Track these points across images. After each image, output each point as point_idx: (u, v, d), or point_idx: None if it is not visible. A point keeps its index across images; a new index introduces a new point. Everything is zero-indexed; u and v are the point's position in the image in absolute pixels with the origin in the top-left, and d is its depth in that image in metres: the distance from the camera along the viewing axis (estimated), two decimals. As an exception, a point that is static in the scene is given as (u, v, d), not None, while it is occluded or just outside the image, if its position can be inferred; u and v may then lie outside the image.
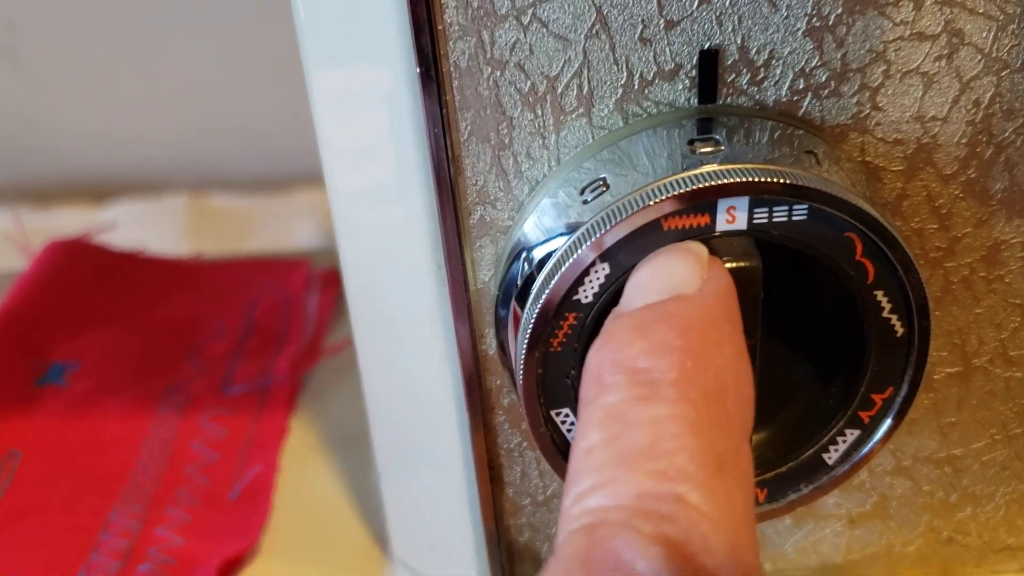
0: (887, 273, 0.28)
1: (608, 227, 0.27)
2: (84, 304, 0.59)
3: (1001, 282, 0.33)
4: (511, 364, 0.31)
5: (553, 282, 0.28)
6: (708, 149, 0.28)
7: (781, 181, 0.27)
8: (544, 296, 0.28)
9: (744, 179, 0.27)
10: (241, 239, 0.74)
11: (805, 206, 0.27)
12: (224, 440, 0.52)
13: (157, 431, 0.53)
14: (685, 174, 0.27)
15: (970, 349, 0.34)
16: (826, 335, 0.31)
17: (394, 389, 0.36)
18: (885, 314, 0.29)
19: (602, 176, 0.29)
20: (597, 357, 0.25)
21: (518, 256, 0.31)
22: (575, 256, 0.28)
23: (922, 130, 0.30)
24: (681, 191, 0.27)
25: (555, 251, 0.28)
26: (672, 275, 0.26)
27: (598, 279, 0.28)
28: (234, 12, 0.71)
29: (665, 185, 0.27)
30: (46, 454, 0.51)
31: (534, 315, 0.28)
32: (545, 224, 0.30)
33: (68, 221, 0.72)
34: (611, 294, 0.28)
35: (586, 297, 0.28)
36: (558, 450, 0.30)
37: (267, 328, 0.59)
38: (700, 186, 0.27)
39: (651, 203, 0.27)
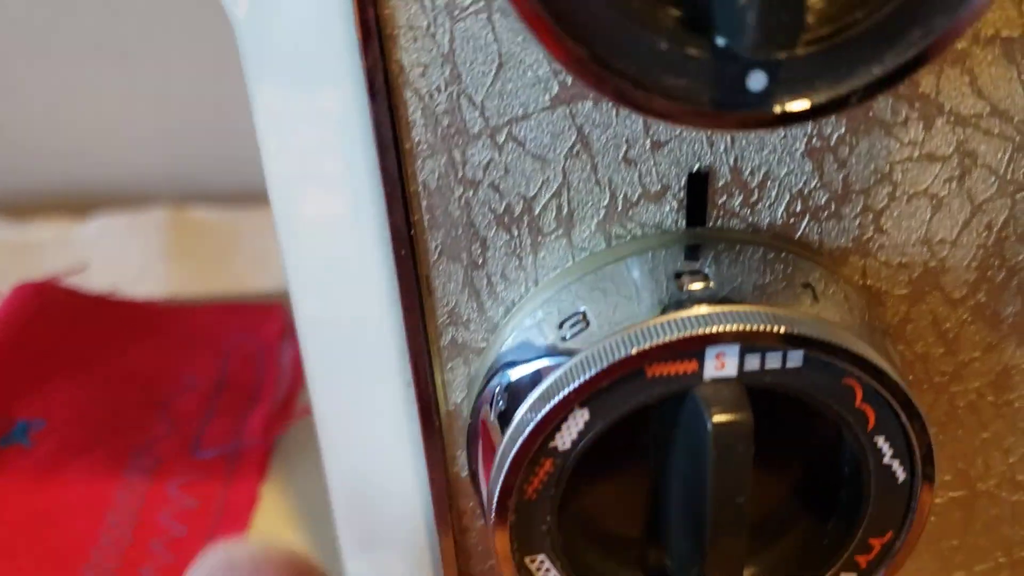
0: (889, 419, 0.26)
1: (588, 374, 0.25)
2: (52, 354, 0.57)
3: (1010, 407, 0.31)
4: (482, 501, 0.29)
5: (529, 428, 0.26)
6: (697, 286, 0.26)
7: (775, 330, 0.25)
8: (519, 442, 0.26)
9: (735, 326, 0.25)
10: (224, 254, 0.72)
11: (800, 353, 0.25)
12: (193, 511, 0.50)
13: (123, 498, 0.51)
14: (672, 317, 0.25)
15: (975, 473, 0.32)
16: (823, 473, 0.29)
17: (363, 509, 0.33)
18: (886, 460, 0.27)
19: (582, 310, 0.27)
20: None
21: (491, 381, 0.28)
22: (553, 402, 0.25)
23: (929, 253, 0.28)
24: (667, 339, 0.25)
25: (531, 393, 0.26)
26: None
27: (577, 426, 0.26)
28: (217, 19, 0.69)
29: (649, 329, 0.25)
30: (9, 523, 0.49)
31: (507, 461, 0.26)
32: (522, 350, 0.28)
33: (46, 235, 0.70)
34: (591, 440, 0.26)
35: (564, 444, 0.26)
36: (533, 595, 0.28)
37: (239, 382, 0.57)
38: (687, 334, 0.25)
39: (633, 351, 0.25)
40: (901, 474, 0.27)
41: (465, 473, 0.31)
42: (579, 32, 0.21)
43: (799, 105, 0.22)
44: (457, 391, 0.30)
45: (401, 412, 0.30)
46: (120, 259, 0.70)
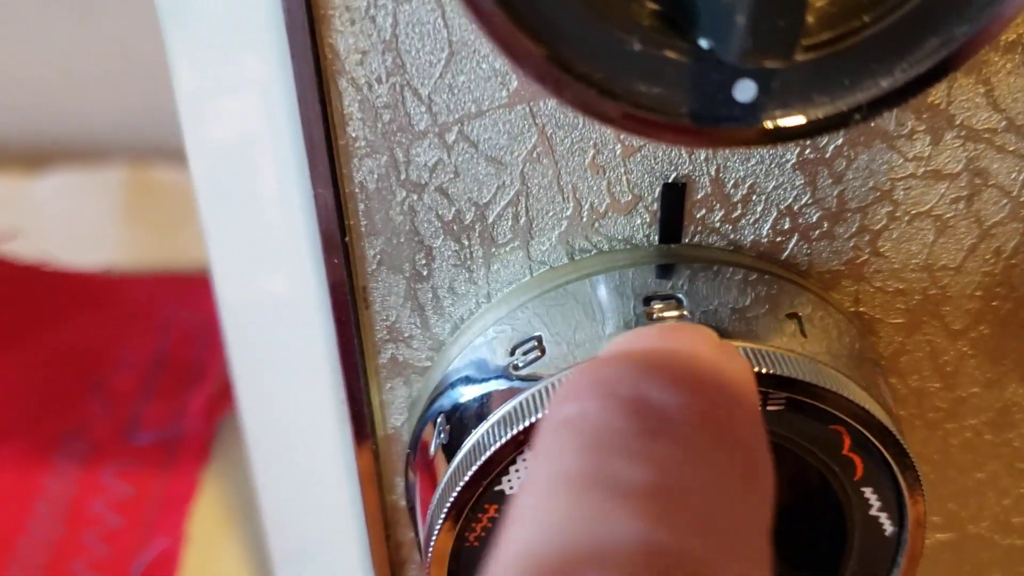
0: (878, 469, 0.23)
1: (540, 413, 0.22)
2: (-19, 327, 0.54)
3: (1009, 446, 0.28)
4: (419, 541, 0.25)
5: (471, 471, 0.22)
6: (668, 313, 0.23)
7: (755, 370, 0.21)
8: (459, 487, 0.23)
9: (710, 366, 0.21)
10: (184, 219, 0.68)
11: (783, 397, 0.22)
12: (129, 500, 0.47)
13: (54, 485, 0.48)
14: (637, 350, 0.22)
15: (967, 515, 0.29)
16: (800, 520, 0.26)
17: (295, 528, 0.30)
18: (873, 512, 0.24)
19: (536, 335, 0.24)
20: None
21: (435, 404, 0.25)
22: (499, 443, 0.22)
23: (930, 280, 0.25)
24: (631, 377, 0.21)
25: (475, 430, 0.23)
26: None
27: (527, 468, 0.23)
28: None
29: (612, 364, 0.22)
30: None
31: (445, 506, 0.23)
32: (470, 370, 0.25)
33: (-1, 192, 0.66)
34: (540, 485, 0.23)
35: (511, 488, 0.23)
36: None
37: (180, 360, 0.53)
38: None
39: (593, 389, 0.22)
40: (889, 527, 0.24)
41: (404, 502, 0.28)
42: (535, 26, 0.18)
43: (793, 121, 0.19)
44: (396, 413, 0.27)
45: (335, 433, 0.27)
46: (73, 220, 0.66)
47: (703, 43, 0.18)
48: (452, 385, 0.25)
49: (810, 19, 0.18)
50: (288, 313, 0.26)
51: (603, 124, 0.19)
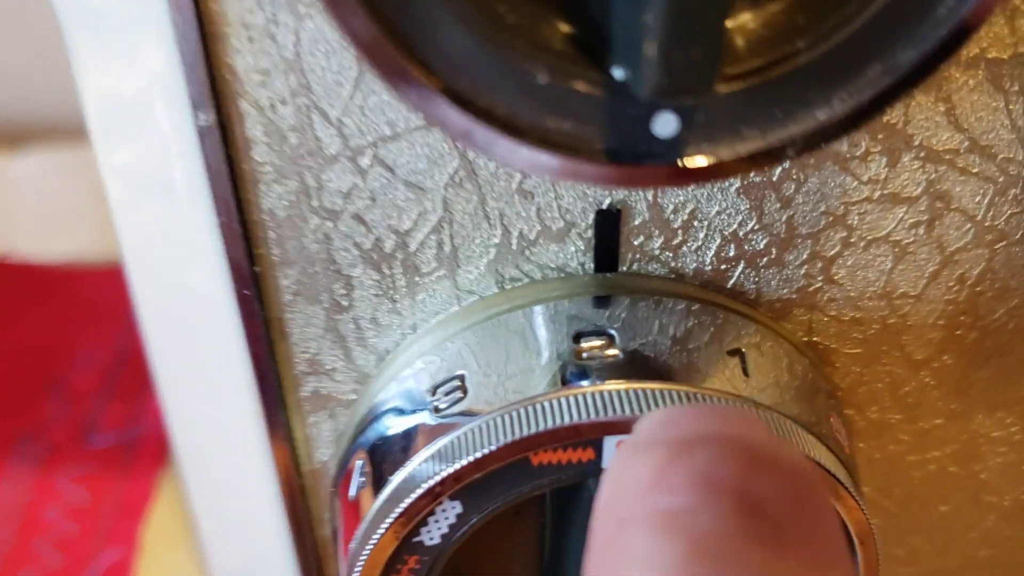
0: (827, 516, 0.22)
1: (458, 463, 0.20)
2: (-69, 323, 0.52)
3: (975, 478, 0.26)
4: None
5: (387, 522, 0.21)
6: (600, 355, 0.21)
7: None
8: (374, 539, 0.21)
9: (640, 413, 0.20)
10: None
11: (722, 444, 0.20)
12: (84, 507, 0.45)
13: (7, 491, 0.46)
14: (565, 393, 0.20)
15: (931, 549, 0.27)
16: None
17: (237, 566, 0.29)
18: None
19: (459, 374, 0.22)
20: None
21: (360, 438, 0.24)
22: (415, 494, 0.21)
23: (889, 308, 0.23)
24: (558, 424, 0.20)
25: (391, 479, 0.21)
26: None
27: (447, 519, 0.21)
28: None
29: (537, 409, 0.20)
30: None
31: (360, 558, 0.21)
32: (395, 402, 0.23)
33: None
34: (464, 535, 0.21)
35: (431, 539, 0.21)
36: None
37: (140, 356, 0.52)
38: (583, 422, 0.20)
39: (517, 437, 0.20)
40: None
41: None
42: (427, 56, 0.16)
43: (719, 156, 0.17)
44: (324, 447, 0.25)
45: (261, 467, 0.26)
46: (51, 200, 0.64)
47: (617, 73, 0.16)
48: (377, 418, 0.24)
49: (740, 42, 0.17)
50: (207, 345, 0.25)
51: (505, 165, 0.17)
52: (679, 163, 0.17)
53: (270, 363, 0.23)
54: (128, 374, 0.51)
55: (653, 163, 0.17)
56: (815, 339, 0.24)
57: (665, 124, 0.17)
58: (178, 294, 0.24)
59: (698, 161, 0.17)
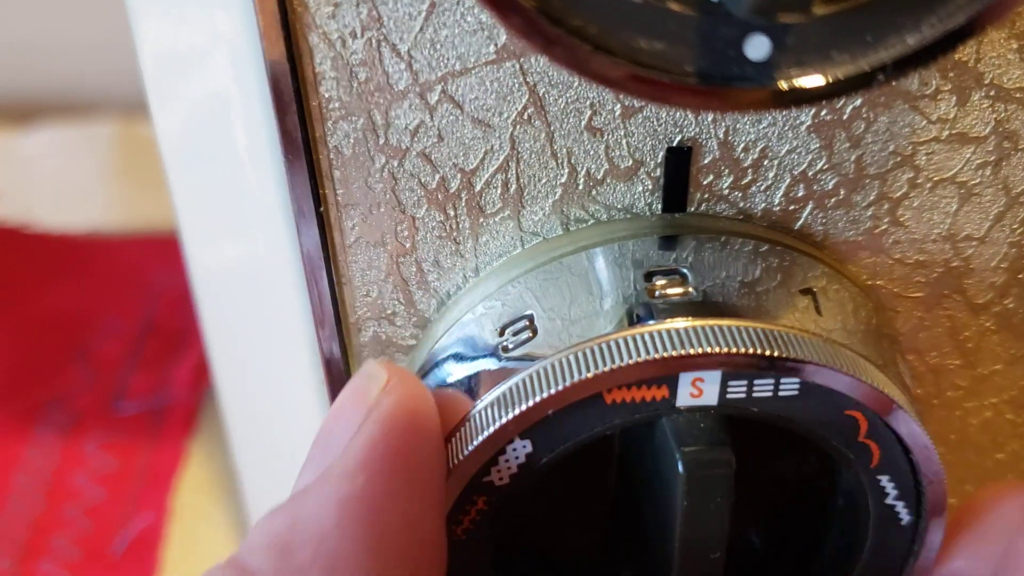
0: (896, 456, 0.22)
1: (531, 401, 0.20)
2: (-43, 292, 0.52)
3: (1032, 426, 0.26)
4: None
5: (459, 459, 0.21)
6: (673, 292, 0.21)
7: (765, 353, 0.20)
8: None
9: (717, 349, 0.20)
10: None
11: (796, 381, 0.20)
12: (113, 473, 0.45)
13: (35, 457, 0.46)
14: (639, 331, 0.20)
15: (985, 498, 0.27)
16: (810, 509, 0.24)
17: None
18: (889, 500, 0.22)
19: (528, 313, 0.22)
20: None
21: (420, 387, 0.24)
22: (486, 433, 0.20)
23: (952, 251, 0.23)
24: (632, 361, 0.20)
25: (466, 416, 0.21)
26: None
27: (517, 459, 0.21)
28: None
29: (611, 346, 0.20)
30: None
31: (429, 498, 0.21)
32: (457, 349, 0.23)
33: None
34: (535, 476, 0.21)
35: (501, 479, 0.21)
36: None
37: (167, 327, 0.52)
38: (658, 356, 0.20)
39: (590, 374, 0.20)
40: (906, 516, 0.23)
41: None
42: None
43: (812, 81, 0.17)
44: (381, 394, 0.25)
45: (317, 417, 0.26)
46: (62, 177, 0.64)
47: (712, -7, 0.16)
48: (438, 364, 0.24)
49: (831, -34, 0.16)
50: (263, 288, 0.24)
51: (600, 85, 0.17)
52: (771, 86, 0.17)
53: (331, 307, 0.23)
54: (155, 343, 0.51)
55: (743, 86, 0.17)
56: (878, 282, 0.24)
57: (757, 47, 0.16)
58: (237, 238, 0.24)
59: (789, 83, 0.17)
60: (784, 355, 0.20)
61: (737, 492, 0.21)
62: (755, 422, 0.21)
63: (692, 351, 0.20)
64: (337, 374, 0.24)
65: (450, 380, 0.23)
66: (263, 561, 0.19)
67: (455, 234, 0.23)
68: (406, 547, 0.19)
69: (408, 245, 0.23)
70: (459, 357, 0.23)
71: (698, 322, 0.20)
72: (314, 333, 0.24)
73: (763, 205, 0.22)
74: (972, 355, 0.25)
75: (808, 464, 0.24)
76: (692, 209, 0.23)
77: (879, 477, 0.22)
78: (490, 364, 0.22)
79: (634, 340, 0.20)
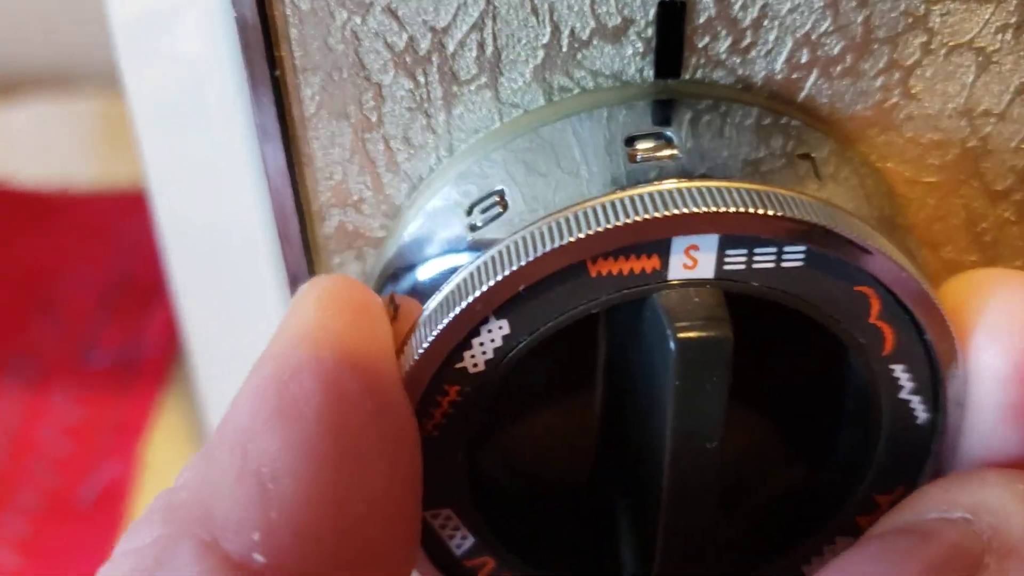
0: (912, 342, 0.20)
1: (505, 271, 0.18)
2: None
3: (1054, 332, 0.24)
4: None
5: (425, 344, 0.19)
6: (662, 153, 0.19)
7: (768, 214, 0.18)
8: (411, 363, 0.19)
9: (712, 208, 0.18)
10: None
11: (802, 249, 0.18)
12: (80, 425, 0.43)
13: (0, 409, 0.44)
14: (622, 195, 0.18)
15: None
16: (818, 406, 0.22)
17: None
18: (904, 395, 0.20)
19: (498, 188, 0.20)
20: None
21: (388, 286, 0.22)
22: (456, 310, 0.18)
23: (969, 129, 0.21)
24: (617, 223, 0.18)
25: (431, 299, 0.19)
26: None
27: (493, 341, 0.19)
28: None
29: (593, 211, 0.18)
30: None
31: (397, 387, 0.19)
32: (428, 241, 0.21)
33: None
34: (513, 360, 0.19)
35: (475, 365, 0.19)
36: (435, 560, 0.22)
37: (142, 280, 0.50)
38: (647, 217, 0.18)
39: (571, 239, 0.18)
40: (922, 412, 0.21)
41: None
42: None
43: None
44: (348, 293, 0.23)
45: (278, 313, 0.23)
46: (47, 150, 0.62)
47: None
48: (407, 258, 0.22)
49: None
50: (218, 176, 0.22)
51: None
52: None
53: (290, 190, 0.21)
54: (128, 296, 0.49)
55: None
56: (889, 164, 0.22)
57: None
58: (186, 108, 0.22)
59: None
60: (788, 216, 0.18)
61: (736, 383, 0.19)
62: (757, 304, 0.19)
63: (686, 210, 0.18)
64: (298, 268, 0.22)
65: (420, 278, 0.21)
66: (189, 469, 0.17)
67: (426, 105, 0.21)
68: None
69: (374, 118, 0.21)
70: (429, 251, 0.21)
71: (687, 183, 0.18)
72: (273, 223, 0.22)
73: (763, 73, 0.20)
74: (990, 249, 0.23)
75: (814, 358, 0.22)
76: (687, 76, 0.21)
77: (892, 367, 0.20)
78: (465, 258, 0.20)
79: (621, 203, 0.18)
